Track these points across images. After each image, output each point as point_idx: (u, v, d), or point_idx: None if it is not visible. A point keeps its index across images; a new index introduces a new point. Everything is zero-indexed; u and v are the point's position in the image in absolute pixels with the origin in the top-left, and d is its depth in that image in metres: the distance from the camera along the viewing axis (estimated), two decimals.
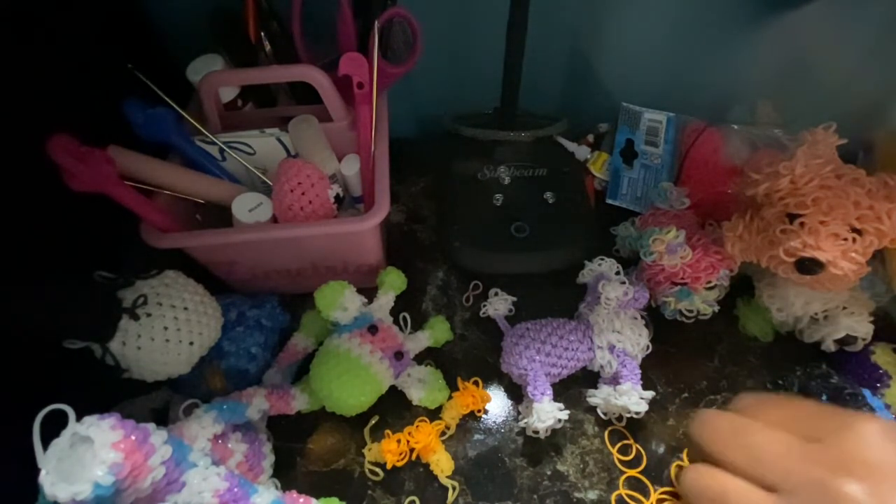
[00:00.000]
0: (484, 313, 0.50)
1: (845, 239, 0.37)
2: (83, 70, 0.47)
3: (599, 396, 0.44)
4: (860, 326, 0.43)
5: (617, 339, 0.44)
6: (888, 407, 0.41)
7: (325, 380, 0.40)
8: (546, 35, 0.58)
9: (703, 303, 0.47)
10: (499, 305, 0.50)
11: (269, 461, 0.40)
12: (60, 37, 0.45)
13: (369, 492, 0.41)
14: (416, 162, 0.64)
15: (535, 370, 0.42)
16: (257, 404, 0.39)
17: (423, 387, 0.44)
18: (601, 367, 0.44)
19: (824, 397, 0.39)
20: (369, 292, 0.45)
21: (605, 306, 0.43)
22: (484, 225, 0.53)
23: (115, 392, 0.40)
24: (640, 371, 0.43)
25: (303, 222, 0.43)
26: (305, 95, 0.50)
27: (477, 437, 0.44)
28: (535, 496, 0.41)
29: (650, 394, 0.42)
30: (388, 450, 0.41)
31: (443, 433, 0.43)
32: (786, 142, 0.51)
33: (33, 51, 0.42)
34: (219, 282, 0.48)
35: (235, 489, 0.31)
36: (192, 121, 0.46)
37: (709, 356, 0.48)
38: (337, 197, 0.44)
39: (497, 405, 0.46)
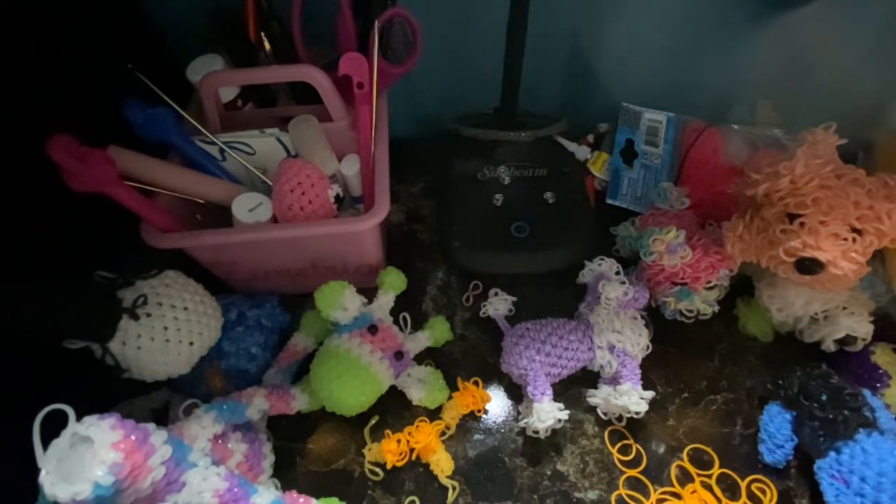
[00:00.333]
0: (484, 313, 0.50)
1: (845, 239, 0.37)
2: (83, 70, 0.47)
3: (599, 396, 0.44)
4: (860, 326, 0.43)
5: (617, 339, 0.44)
6: (888, 407, 0.41)
7: (325, 380, 0.40)
8: (546, 35, 0.58)
9: (703, 303, 0.47)
10: (499, 305, 0.50)
11: (269, 461, 0.40)
12: (61, 37, 0.45)
13: (369, 492, 0.41)
14: (416, 162, 0.64)
15: (535, 370, 0.42)
16: (257, 404, 0.39)
17: (423, 387, 0.44)
18: (601, 367, 0.44)
19: (824, 397, 0.39)
20: (369, 292, 0.45)
21: (605, 306, 0.43)
22: (484, 225, 0.53)
23: (115, 392, 0.40)
24: (640, 371, 0.43)
25: (303, 222, 0.43)
26: (305, 95, 0.50)
27: (477, 437, 0.44)
28: (535, 496, 0.41)
29: (650, 394, 0.42)
30: (388, 450, 0.41)
31: (443, 433, 0.43)
32: (786, 142, 0.51)
33: (33, 51, 0.42)
34: (219, 282, 0.48)
35: (235, 489, 0.31)
36: (192, 121, 0.46)
37: (709, 356, 0.48)
38: (337, 197, 0.44)
39: (497, 405, 0.46)
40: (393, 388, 0.44)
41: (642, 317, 0.47)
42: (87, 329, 0.35)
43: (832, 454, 0.37)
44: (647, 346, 0.45)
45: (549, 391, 0.41)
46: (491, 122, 0.57)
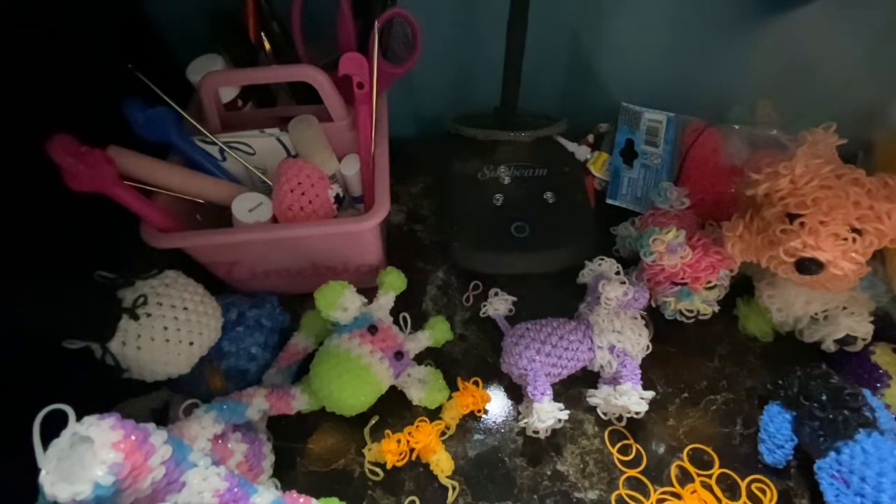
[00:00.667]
0: (484, 313, 0.50)
1: (845, 239, 0.37)
2: (83, 70, 0.47)
3: (599, 396, 0.44)
4: (860, 326, 0.43)
5: (617, 339, 0.44)
6: (888, 407, 0.41)
7: (325, 380, 0.40)
8: (546, 35, 0.58)
9: (703, 303, 0.47)
10: (499, 305, 0.50)
11: (269, 461, 0.40)
12: (61, 37, 0.45)
13: (369, 492, 0.41)
14: (416, 162, 0.64)
15: (535, 370, 0.42)
16: (257, 404, 0.39)
17: (423, 387, 0.44)
18: (601, 367, 0.44)
19: (824, 397, 0.39)
20: (369, 292, 0.45)
21: (605, 306, 0.43)
22: (484, 225, 0.53)
23: (115, 392, 0.40)
24: (640, 371, 0.43)
25: (303, 222, 0.43)
26: (305, 95, 0.50)
27: (477, 437, 0.44)
28: (535, 496, 0.41)
29: (650, 394, 0.42)
30: (388, 450, 0.41)
31: (443, 433, 0.43)
32: (786, 142, 0.51)
33: (34, 51, 0.42)
34: (219, 282, 0.48)
35: (235, 489, 0.31)
36: (192, 121, 0.46)
37: (709, 356, 0.48)
38: (337, 197, 0.44)
39: (497, 405, 0.46)
40: (393, 388, 0.44)
41: (642, 317, 0.47)
42: (87, 329, 0.35)
43: (832, 454, 0.37)
44: (647, 346, 0.45)
45: (549, 391, 0.41)
46: (491, 122, 0.57)
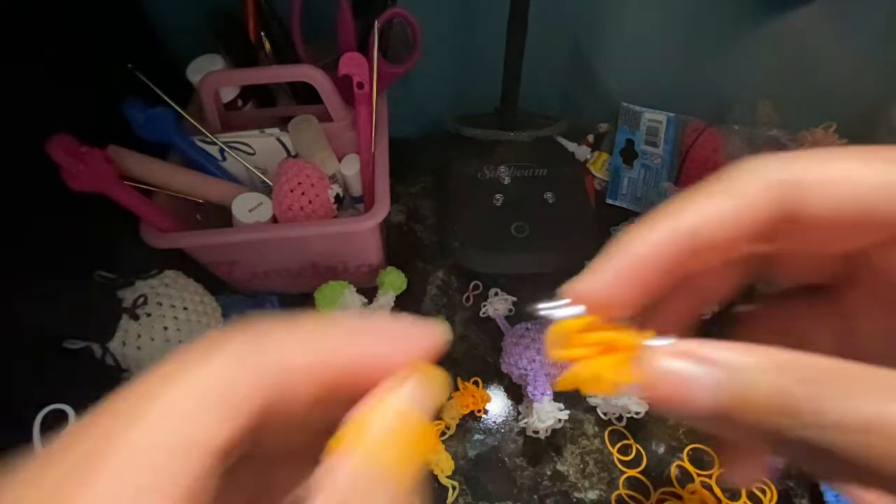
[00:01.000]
0: (484, 313, 0.50)
1: None
2: (83, 70, 0.47)
3: (599, 396, 0.44)
4: None
5: None
6: None
7: None
8: (546, 35, 0.58)
9: None
10: (499, 305, 0.50)
11: None
12: (60, 37, 0.45)
13: None
14: (416, 162, 0.64)
15: (535, 370, 0.42)
16: None
17: None
18: None
19: None
20: (369, 292, 0.45)
21: None
22: (484, 225, 0.53)
23: (114, 392, 0.40)
24: None
25: (303, 222, 0.43)
26: (305, 95, 0.50)
27: (477, 437, 0.44)
28: (535, 496, 0.41)
29: None
30: None
31: (443, 433, 0.43)
32: (786, 142, 0.51)
33: (33, 51, 0.42)
34: (219, 282, 0.48)
35: None
36: (192, 121, 0.46)
37: None
38: (337, 197, 0.44)
39: (497, 405, 0.46)
40: None
41: None
42: (87, 329, 0.35)
43: None
44: None
45: (549, 391, 0.41)
46: (491, 122, 0.57)
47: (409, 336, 0.13)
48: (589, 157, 0.62)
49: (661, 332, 0.14)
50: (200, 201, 0.47)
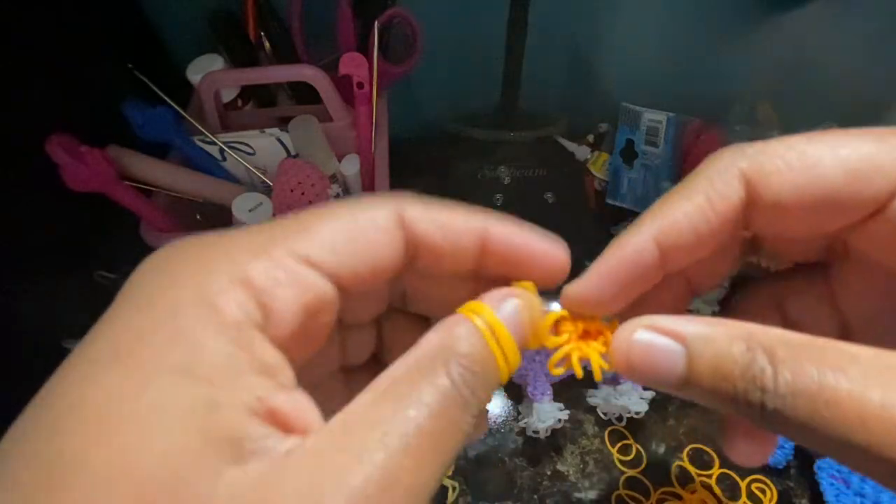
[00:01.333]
0: None
1: None
2: (83, 70, 0.47)
3: (599, 396, 0.44)
4: None
5: None
6: None
7: None
8: (546, 35, 0.58)
9: (703, 303, 0.47)
10: None
11: None
12: (60, 36, 0.45)
13: None
14: (416, 162, 0.64)
15: (535, 370, 0.42)
16: None
17: None
18: None
19: None
20: None
21: None
22: None
23: None
24: None
25: None
26: (305, 95, 0.50)
27: None
28: (535, 496, 0.41)
29: (650, 394, 0.41)
30: None
31: None
32: None
33: (33, 50, 0.42)
34: None
35: None
36: (192, 121, 0.46)
37: None
38: (337, 197, 0.44)
39: (497, 405, 0.46)
40: None
41: None
42: (86, 329, 0.35)
43: None
44: None
45: (549, 391, 0.41)
46: (491, 122, 0.57)
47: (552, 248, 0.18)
48: (589, 157, 0.62)
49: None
50: (200, 201, 0.47)
